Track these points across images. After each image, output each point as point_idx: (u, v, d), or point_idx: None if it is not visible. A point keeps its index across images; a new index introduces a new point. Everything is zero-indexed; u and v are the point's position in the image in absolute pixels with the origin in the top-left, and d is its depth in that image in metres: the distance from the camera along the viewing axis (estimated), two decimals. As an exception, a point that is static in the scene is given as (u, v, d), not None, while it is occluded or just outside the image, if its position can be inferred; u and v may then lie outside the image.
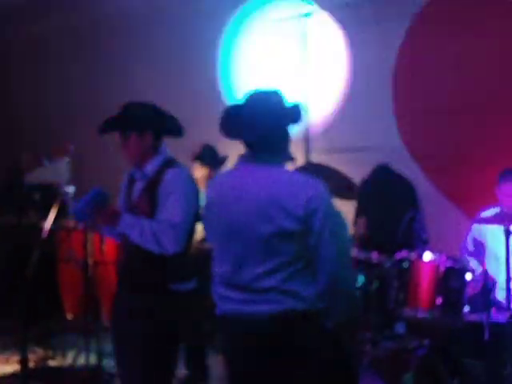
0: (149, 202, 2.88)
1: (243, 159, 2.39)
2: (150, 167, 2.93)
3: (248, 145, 2.38)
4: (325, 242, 2.23)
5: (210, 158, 4.41)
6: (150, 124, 2.95)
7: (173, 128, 3.04)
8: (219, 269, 2.39)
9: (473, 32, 4.58)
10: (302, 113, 2.36)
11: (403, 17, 4.87)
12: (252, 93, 2.38)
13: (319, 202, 2.23)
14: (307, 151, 5.46)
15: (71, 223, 5.00)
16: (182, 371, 4.20)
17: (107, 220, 2.88)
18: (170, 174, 2.88)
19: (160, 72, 6.20)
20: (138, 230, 2.81)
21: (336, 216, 2.29)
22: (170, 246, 2.79)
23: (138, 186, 2.98)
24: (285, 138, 2.38)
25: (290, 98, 2.40)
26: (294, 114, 2.35)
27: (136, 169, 3.00)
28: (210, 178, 4.36)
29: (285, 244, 2.25)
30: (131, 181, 3.04)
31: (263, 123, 2.30)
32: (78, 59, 6.83)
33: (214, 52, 5.98)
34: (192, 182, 2.98)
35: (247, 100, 2.37)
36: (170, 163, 2.95)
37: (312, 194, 2.23)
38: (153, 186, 2.89)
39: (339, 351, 2.35)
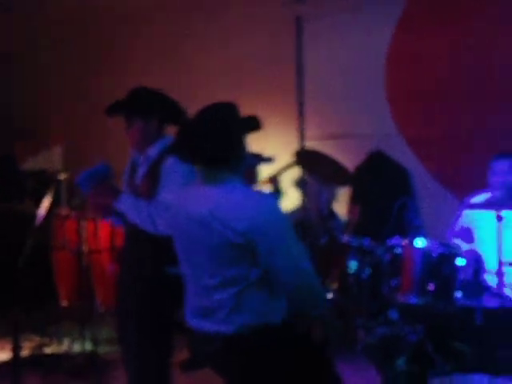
0: (150, 186, 2.94)
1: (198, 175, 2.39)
2: (153, 151, 2.99)
3: (195, 162, 2.37)
4: (273, 255, 2.20)
5: None
6: (156, 111, 2.99)
7: (178, 116, 3.06)
8: (184, 271, 2.41)
9: (464, 20, 4.57)
10: (258, 122, 2.32)
11: (396, 3, 4.85)
12: (203, 109, 2.33)
13: (261, 221, 2.18)
14: (302, 138, 5.47)
15: (65, 211, 5.00)
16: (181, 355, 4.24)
17: (107, 194, 2.90)
18: (169, 159, 2.92)
19: (154, 59, 6.17)
20: (135, 209, 2.87)
21: (280, 229, 2.23)
22: (162, 227, 2.83)
23: (141, 171, 3.03)
24: (238, 152, 2.30)
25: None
26: (249, 124, 2.31)
27: (139, 154, 3.04)
28: None
29: (235, 256, 2.22)
30: (133, 167, 3.09)
31: (213, 143, 2.24)
32: (69, 47, 6.79)
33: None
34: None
35: (198, 117, 2.31)
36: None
37: (254, 214, 2.19)
38: (155, 168, 2.95)
39: (302, 363, 2.29)
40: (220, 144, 2.25)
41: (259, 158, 4.29)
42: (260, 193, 2.43)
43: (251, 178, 4.24)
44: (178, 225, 2.38)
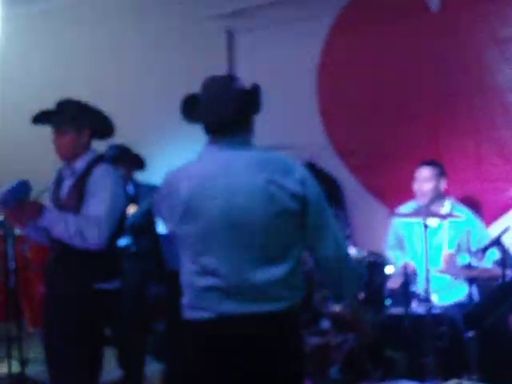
0: (77, 199, 2.89)
1: (214, 146, 2.20)
2: (80, 164, 2.96)
3: (217, 129, 2.21)
4: (326, 219, 2.16)
5: (126, 158, 4.35)
6: (89, 122, 2.97)
7: (107, 128, 3.06)
8: (208, 267, 2.13)
9: (391, 31, 4.69)
10: (261, 94, 2.27)
11: (327, 15, 4.93)
12: (208, 80, 2.27)
13: (310, 180, 2.16)
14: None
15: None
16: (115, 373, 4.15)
17: (30, 211, 2.82)
18: (98, 171, 2.91)
19: (83, 70, 6.08)
20: (62, 224, 2.81)
21: (323, 198, 2.20)
22: (93, 240, 2.80)
23: (67, 183, 2.99)
24: (251, 119, 2.27)
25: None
26: (256, 94, 2.26)
27: (66, 165, 3.01)
28: (128, 178, 4.31)
29: (287, 227, 2.12)
30: (59, 179, 3.04)
31: (234, 102, 2.18)
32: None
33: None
34: (119, 180, 3.02)
35: (207, 86, 2.25)
36: (99, 160, 2.98)
37: (303, 172, 2.16)
38: (81, 181, 2.91)
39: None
40: (244, 106, 2.21)
41: None
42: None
43: None
44: (199, 210, 2.11)
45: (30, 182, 2.87)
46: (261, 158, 2.18)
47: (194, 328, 2.17)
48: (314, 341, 3.64)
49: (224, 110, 2.19)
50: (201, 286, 2.13)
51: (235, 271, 2.10)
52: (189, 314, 2.17)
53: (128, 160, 4.35)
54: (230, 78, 2.28)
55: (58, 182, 3.05)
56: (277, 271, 2.10)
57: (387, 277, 3.59)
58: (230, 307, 2.10)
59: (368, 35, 4.78)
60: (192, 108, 2.24)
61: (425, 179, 3.97)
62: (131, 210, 4.10)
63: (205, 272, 2.13)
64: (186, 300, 2.19)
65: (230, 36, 5.41)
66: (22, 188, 2.84)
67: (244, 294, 2.10)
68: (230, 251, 2.11)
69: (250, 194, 2.10)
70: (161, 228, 4.40)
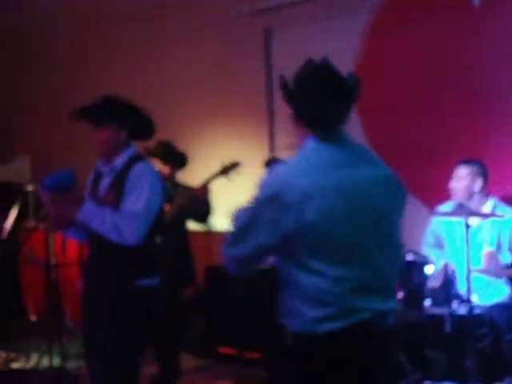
0: (115, 196, 2.88)
1: (332, 145, 2.07)
2: (119, 161, 2.95)
3: (331, 124, 2.09)
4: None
5: (171, 155, 4.36)
6: (129, 120, 2.96)
7: (147, 128, 3.05)
8: (348, 275, 2.02)
9: (430, 27, 4.62)
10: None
11: (365, 12, 4.89)
12: (313, 68, 2.10)
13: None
14: (272, 147, 5.47)
15: (32, 223, 4.93)
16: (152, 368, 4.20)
17: (71, 203, 2.85)
18: (136, 168, 2.89)
19: (123, 71, 6.13)
20: (99, 218, 2.81)
21: None
22: (129, 236, 2.80)
23: (105, 181, 2.98)
24: None
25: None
26: (359, 86, 2.13)
27: (104, 163, 3.00)
28: (170, 177, 4.33)
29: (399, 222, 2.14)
30: (97, 177, 3.04)
31: (350, 95, 2.09)
32: (41, 58, 6.72)
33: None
34: (158, 177, 3.01)
35: (315, 75, 2.09)
36: (137, 158, 2.97)
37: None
38: (120, 179, 2.90)
39: None
40: (355, 98, 2.12)
41: (227, 169, 4.30)
42: None
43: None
44: (335, 206, 1.99)
45: (75, 174, 2.89)
46: (368, 152, 2.18)
47: (342, 335, 2.01)
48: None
49: (343, 104, 2.08)
50: (347, 289, 2.01)
51: (377, 270, 2.05)
52: (333, 325, 2.00)
53: (172, 158, 4.35)
54: (334, 69, 2.11)
55: (96, 179, 3.05)
56: (396, 268, 2.14)
57: (427, 276, 3.54)
58: (379, 305, 2.06)
59: (406, 32, 4.71)
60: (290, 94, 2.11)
61: (459, 178, 3.92)
62: (166, 208, 4.13)
63: (350, 276, 2.02)
64: (321, 312, 2.00)
65: (267, 33, 5.40)
66: (68, 177, 2.87)
67: (384, 291, 2.08)
68: (373, 252, 2.05)
69: (384, 195, 2.08)
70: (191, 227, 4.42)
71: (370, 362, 2.05)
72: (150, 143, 3.84)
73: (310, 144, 2.08)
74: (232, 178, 4.26)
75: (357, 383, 2.05)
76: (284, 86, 2.11)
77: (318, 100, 2.06)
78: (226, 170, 4.27)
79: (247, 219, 2.06)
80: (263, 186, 2.05)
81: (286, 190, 1.97)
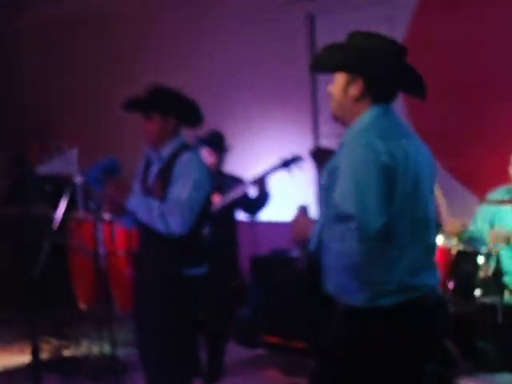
0: (162, 185, 2.93)
1: (389, 115, 2.14)
2: (167, 150, 3.00)
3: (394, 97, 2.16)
4: None
5: (220, 144, 4.36)
6: (174, 108, 3.00)
7: (195, 117, 3.08)
8: (412, 254, 2.06)
9: (479, 12, 4.51)
10: None
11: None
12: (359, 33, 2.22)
13: None
14: (316, 136, 5.44)
15: (82, 214, 5.01)
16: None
17: (117, 192, 2.90)
18: (183, 157, 2.94)
19: (172, 61, 6.16)
20: (146, 208, 2.86)
21: None
22: (176, 226, 2.84)
23: (154, 169, 3.04)
24: None
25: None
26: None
27: (153, 151, 3.04)
28: (215, 165, 4.33)
29: None
30: (147, 164, 3.09)
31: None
32: (90, 50, 6.81)
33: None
34: (204, 167, 3.05)
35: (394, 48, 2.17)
36: (185, 147, 3.02)
37: None
38: (167, 168, 2.95)
39: None
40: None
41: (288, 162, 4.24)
42: None
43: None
44: (419, 192, 2.08)
45: (118, 161, 2.94)
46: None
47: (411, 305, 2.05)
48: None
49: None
50: (424, 262, 2.10)
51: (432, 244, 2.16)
52: (402, 296, 2.03)
53: (221, 147, 4.35)
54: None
55: (147, 167, 3.10)
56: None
57: (478, 266, 3.47)
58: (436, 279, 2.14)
59: (455, 14, 4.61)
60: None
61: None
62: (215, 199, 4.13)
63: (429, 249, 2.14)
64: (394, 284, 2.03)
65: (311, 20, 5.35)
66: (111, 165, 2.93)
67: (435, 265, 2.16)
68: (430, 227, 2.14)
69: (430, 172, 2.15)
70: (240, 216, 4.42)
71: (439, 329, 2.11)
72: (202, 132, 3.88)
73: (374, 115, 2.11)
74: (293, 172, 4.16)
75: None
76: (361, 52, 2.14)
77: (395, 73, 2.13)
78: (286, 164, 4.17)
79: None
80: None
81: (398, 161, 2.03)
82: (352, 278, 2.01)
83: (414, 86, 2.20)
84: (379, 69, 2.11)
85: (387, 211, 1.97)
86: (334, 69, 2.17)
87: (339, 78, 2.15)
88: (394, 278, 2.01)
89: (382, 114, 2.10)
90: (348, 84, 2.12)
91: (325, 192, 2.11)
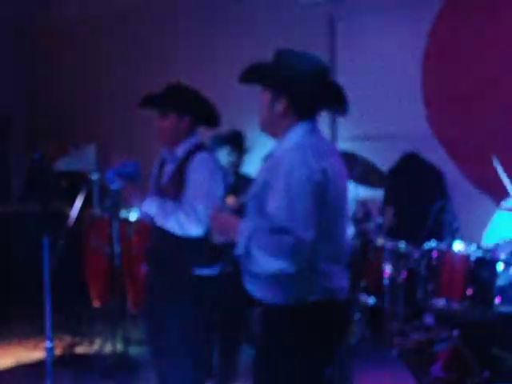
0: (176, 185, 2.92)
1: (316, 132, 2.27)
2: (182, 150, 2.97)
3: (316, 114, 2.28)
4: None
5: (240, 144, 4.33)
6: (190, 107, 2.97)
7: (211, 117, 3.05)
8: (328, 245, 2.22)
9: (501, 18, 4.46)
10: None
11: (432, 2, 4.76)
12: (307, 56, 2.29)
13: None
14: (334, 138, 5.41)
15: (97, 212, 5.02)
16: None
17: (135, 193, 2.90)
18: (198, 158, 2.91)
19: (189, 59, 6.16)
20: (161, 210, 2.85)
21: None
22: (191, 228, 2.83)
23: (169, 168, 3.02)
24: None
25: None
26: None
27: (168, 151, 3.02)
28: (234, 165, 4.30)
29: None
30: (162, 164, 3.08)
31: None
32: (105, 47, 6.82)
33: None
34: (218, 168, 3.02)
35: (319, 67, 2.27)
36: (200, 147, 2.98)
37: None
38: (181, 168, 2.93)
39: None
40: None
41: None
42: None
43: None
44: (337, 191, 2.23)
45: (140, 165, 2.93)
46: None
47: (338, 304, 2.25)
48: (417, 336, 3.54)
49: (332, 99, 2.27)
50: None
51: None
52: (337, 295, 2.24)
53: (241, 147, 4.33)
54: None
55: (161, 166, 3.08)
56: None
57: (497, 274, 3.43)
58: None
59: (475, 21, 4.57)
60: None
61: None
62: (230, 200, 4.11)
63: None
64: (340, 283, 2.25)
65: (332, 23, 5.33)
66: (131, 169, 2.91)
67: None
68: (338, 230, 2.29)
69: (345, 185, 2.31)
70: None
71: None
72: (222, 130, 3.86)
73: (302, 131, 2.22)
74: None
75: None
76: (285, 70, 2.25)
77: (318, 90, 2.23)
78: None
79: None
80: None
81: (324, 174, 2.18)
82: (277, 284, 2.18)
83: (337, 103, 2.31)
84: (301, 86, 2.22)
85: (317, 226, 2.12)
86: (260, 84, 2.30)
87: (265, 95, 2.28)
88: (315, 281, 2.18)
89: (310, 131, 2.22)
90: (273, 100, 2.24)
91: (254, 201, 2.23)
